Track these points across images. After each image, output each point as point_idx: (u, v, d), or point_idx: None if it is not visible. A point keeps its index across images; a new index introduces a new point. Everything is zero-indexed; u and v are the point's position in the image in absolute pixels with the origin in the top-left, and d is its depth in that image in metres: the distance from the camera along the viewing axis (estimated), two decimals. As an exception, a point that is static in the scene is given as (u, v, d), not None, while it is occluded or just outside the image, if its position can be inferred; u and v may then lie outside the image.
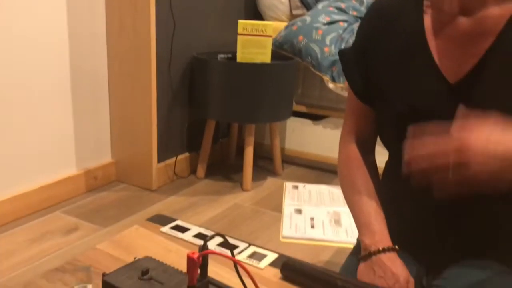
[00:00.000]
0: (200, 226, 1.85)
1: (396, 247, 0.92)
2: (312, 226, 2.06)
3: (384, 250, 0.90)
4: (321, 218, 2.16)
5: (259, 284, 0.80)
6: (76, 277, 0.81)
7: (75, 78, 2.26)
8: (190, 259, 0.59)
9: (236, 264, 0.64)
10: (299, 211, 2.24)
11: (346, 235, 1.97)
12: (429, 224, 0.97)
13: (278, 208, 2.30)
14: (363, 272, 0.91)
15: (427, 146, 0.74)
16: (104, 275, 0.69)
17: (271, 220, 2.16)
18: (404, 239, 0.99)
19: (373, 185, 1.02)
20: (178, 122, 2.67)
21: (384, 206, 1.00)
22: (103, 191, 2.42)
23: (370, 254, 0.91)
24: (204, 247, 0.60)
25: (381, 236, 0.93)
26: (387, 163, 1.08)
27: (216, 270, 0.84)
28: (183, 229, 1.00)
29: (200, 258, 0.60)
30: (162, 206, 2.28)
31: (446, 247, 0.98)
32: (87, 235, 1.96)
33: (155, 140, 2.43)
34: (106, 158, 2.53)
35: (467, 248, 0.95)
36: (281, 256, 0.90)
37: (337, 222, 2.12)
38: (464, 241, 0.95)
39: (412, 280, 0.89)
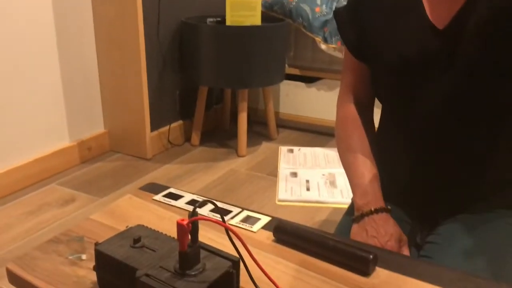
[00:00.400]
0: (195, 193, 1.87)
1: (389, 207, 0.92)
2: (308, 189, 2.08)
3: (376, 211, 0.90)
4: (316, 180, 2.17)
5: (252, 247, 0.81)
6: (70, 247, 0.81)
7: (62, 48, 2.22)
8: (179, 226, 0.59)
9: (227, 229, 0.64)
10: (294, 174, 2.25)
11: (341, 195, 1.99)
12: (421, 177, 0.98)
13: (273, 172, 2.31)
14: (356, 232, 0.92)
15: None
16: (96, 244, 0.69)
17: (267, 184, 2.17)
18: (397, 194, 0.99)
19: (370, 145, 1.01)
20: (169, 90, 2.64)
21: (378, 161, 1.00)
22: (98, 161, 2.41)
23: (362, 215, 0.92)
24: (193, 213, 0.60)
25: (373, 197, 0.93)
26: (381, 117, 1.07)
27: (210, 236, 0.84)
28: (176, 197, 1.00)
29: (190, 224, 0.59)
30: (157, 174, 2.29)
31: (438, 201, 0.99)
32: (84, 206, 1.96)
33: (147, 108, 2.41)
34: (98, 128, 2.52)
35: (459, 202, 0.96)
36: (274, 219, 0.91)
37: (332, 183, 2.13)
38: (456, 195, 0.96)
39: (405, 238, 0.90)
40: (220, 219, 0.67)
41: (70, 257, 0.78)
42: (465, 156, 0.93)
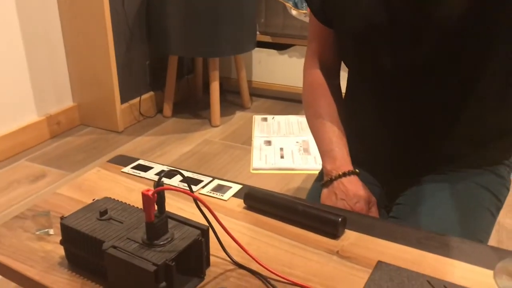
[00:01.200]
0: (169, 164, 1.85)
1: (357, 170, 0.93)
2: (282, 156, 2.08)
3: (344, 174, 0.91)
4: (290, 147, 2.17)
5: (223, 215, 0.81)
6: (37, 223, 0.79)
7: (24, 22, 2.14)
8: (144, 196, 0.58)
9: (195, 198, 0.64)
10: (268, 143, 2.25)
11: (315, 162, 2.00)
12: (388, 140, 0.98)
13: (247, 141, 2.31)
14: (326, 196, 0.92)
15: None
16: (62, 218, 0.68)
17: (241, 154, 2.17)
18: (366, 158, 1.00)
19: (337, 111, 1.01)
20: (139, 61, 2.59)
21: (347, 125, 1.00)
22: (68, 136, 2.37)
23: (331, 180, 0.92)
24: (159, 183, 0.59)
25: (342, 162, 0.94)
26: (348, 82, 1.07)
27: (179, 205, 0.84)
28: (145, 168, 0.98)
29: (155, 195, 0.58)
30: (130, 147, 2.26)
31: (407, 163, 1.00)
32: (55, 181, 1.93)
33: (115, 80, 2.36)
34: (67, 102, 2.46)
35: (427, 163, 0.97)
36: (244, 186, 0.90)
37: (306, 150, 2.14)
38: (424, 156, 0.97)
39: (374, 200, 0.91)
40: (192, 190, 0.66)
41: (37, 233, 0.77)
42: (432, 118, 0.94)
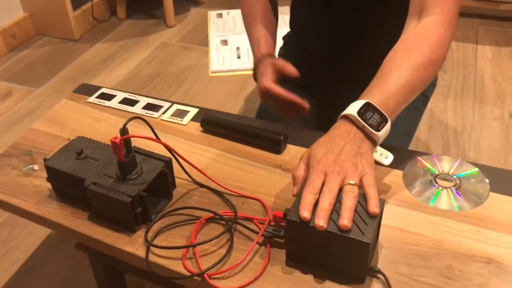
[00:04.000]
0: (129, 72, 1.91)
1: (274, 54, 1.03)
2: (238, 56, 2.17)
3: (260, 60, 1.01)
4: (246, 46, 2.25)
5: (182, 139, 0.94)
6: (22, 160, 0.91)
7: None
8: (113, 144, 0.69)
9: (164, 145, 0.76)
10: (224, 42, 2.31)
11: (270, 60, 2.10)
12: (329, 48, 1.10)
13: (204, 41, 2.36)
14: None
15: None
16: (45, 160, 0.80)
17: (199, 56, 2.24)
18: (304, 73, 1.11)
19: (271, 13, 1.10)
20: (85, -36, 2.51)
21: (292, 30, 1.10)
22: (25, 48, 2.37)
23: (255, 68, 1.03)
24: (123, 132, 0.70)
25: (265, 51, 1.02)
26: None
27: (143, 132, 0.96)
28: (109, 97, 1.08)
29: (122, 141, 0.70)
30: (89, 56, 2.29)
31: (344, 75, 1.11)
32: (23, 98, 1.99)
33: (65, -13, 2.31)
34: (18, 13, 2.42)
35: (363, 78, 1.09)
36: (201, 110, 1.02)
37: (261, 48, 2.22)
38: (360, 71, 1.09)
39: (274, 87, 0.95)
40: (152, 133, 0.78)
41: (24, 169, 0.89)
42: (366, 29, 1.04)
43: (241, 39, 2.31)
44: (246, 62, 2.11)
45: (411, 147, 1.57)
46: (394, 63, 0.80)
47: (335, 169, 0.67)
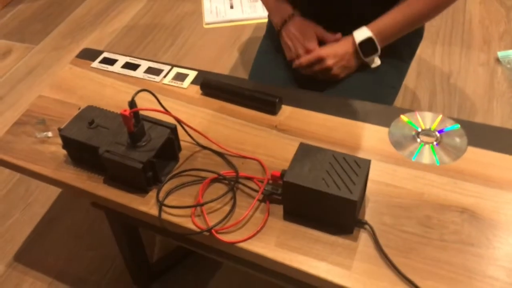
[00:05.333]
0: (125, 26, 1.93)
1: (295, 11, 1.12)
2: (231, 6, 2.18)
3: (286, 21, 1.11)
4: (239, -5, 2.25)
5: (184, 103, 1.00)
6: (36, 128, 0.98)
7: None
8: (123, 116, 0.76)
9: (162, 106, 0.83)
10: (217, -9, 2.30)
11: (263, 9, 2.11)
12: (320, 16, 1.15)
13: (198, -10, 2.35)
14: (284, 48, 1.14)
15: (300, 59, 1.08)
16: (59, 130, 0.87)
17: (193, 6, 2.24)
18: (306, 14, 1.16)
19: None
20: None
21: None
22: (19, 3, 2.37)
23: (280, 30, 1.12)
24: (132, 105, 0.76)
25: (284, 10, 1.13)
26: None
27: (150, 98, 1.02)
28: (111, 61, 1.13)
29: (132, 114, 0.77)
30: (84, 10, 2.29)
31: (343, 21, 1.16)
32: (23, 56, 2.02)
33: None
34: (8, -33, 2.39)
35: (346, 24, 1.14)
36: (200, 72, 1.08)
37: (254, -4, 2.23)
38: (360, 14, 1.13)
39: (320, 29, 1.10)
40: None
41: (38, 136, 0.96)
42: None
43: (234, -13, 2.30)
44: (239, 12, 2.13)
45: (399, 96, 1.64)
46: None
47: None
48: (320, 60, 1.06)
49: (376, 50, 1.05)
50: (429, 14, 1.05)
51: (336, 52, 1.06)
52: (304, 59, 1.07)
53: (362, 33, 1.04)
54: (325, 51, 1.06)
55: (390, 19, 1.04)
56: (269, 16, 1.20)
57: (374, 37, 1.03)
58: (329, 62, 1.05)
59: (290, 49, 1.11)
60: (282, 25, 1.12)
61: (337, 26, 1.10)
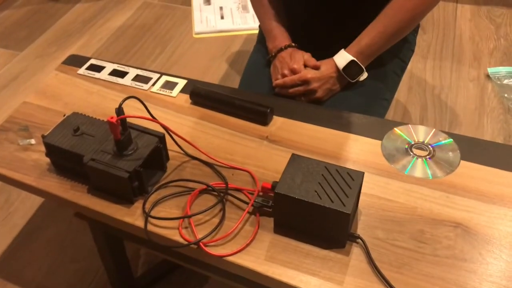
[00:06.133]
0: (113, 34, 1.91)
1: (294, 44, 1.11)
2: (222, 17, 2.17)
3: (281, 49, 1.10)
4: (229, 6, 2.24)
5: (173, 112, 0.98)
6: (19, 134, 0.94)
7: None
8: (110, 123, 0.74)
9: (162, 125, 0.80)
10: (207, 2, 2.30)
11: (253, 20, 2.11)
12: (317, 18, 1.13)
13: (187, 0, 2.34)
14: (272, 71, 1.12)
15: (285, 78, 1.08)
16: (43, 137, 0.84)
17: (182, 16, 2.23)
18: (296, 37, 1.15)
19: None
20: None
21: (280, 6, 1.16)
22: (5, 9, 2.33)
23: (273, 56, 1.12)
24: (119, 112, 0.74)
25: (281, 39, 1.12)
26: None
27: (138, 106, 0.99)
28: (98, 68, 1.11)
29: (119, 121, 0.74)
30: (70, 17, 2.26)
31: (331, 42, 1.15)
32: (7, 63, 1.98)
33: None
34: (-5, -27, 2.36)
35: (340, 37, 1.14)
36: (190, 81, 1.06)
37: (245, 8, 2.22)
38: (347, 36, 1.12)
39: (307, 55, 1.09)
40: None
41: (21, 143, 0.93)
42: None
43: (224, -1, 2.30)
44: (230, 23, 2.12)
45: (391, 109, 1.64)
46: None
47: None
48: (305, 82, 1.06)
49: (362, 70, 1.05)
50: (408, 25, 1.05)
51: (321, 75, 1.06)
52: (289, 78, 1.07)
53: (343, 58, 1.05)
54: (310, 73, 1.05)
55: (368, 37, 1.04)
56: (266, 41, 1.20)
57: (356, 59, 1.04)
58: (314, 84, 1.05)
59: (277, 70, 1.11)
60: (277, 52, 1.12)
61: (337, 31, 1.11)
